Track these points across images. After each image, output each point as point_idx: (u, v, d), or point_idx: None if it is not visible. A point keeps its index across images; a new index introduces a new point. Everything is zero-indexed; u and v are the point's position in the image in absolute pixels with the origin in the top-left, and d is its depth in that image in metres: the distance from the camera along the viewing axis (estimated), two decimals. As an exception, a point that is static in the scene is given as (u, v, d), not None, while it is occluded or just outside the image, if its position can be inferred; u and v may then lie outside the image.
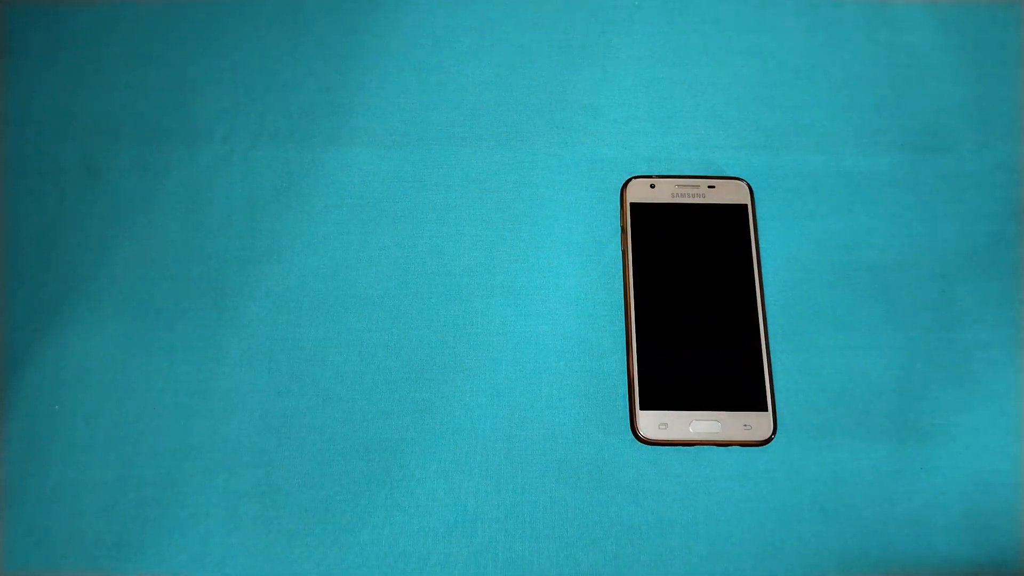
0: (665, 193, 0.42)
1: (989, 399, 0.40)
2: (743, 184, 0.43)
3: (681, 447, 0.39)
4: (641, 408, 0.39)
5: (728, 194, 0.42)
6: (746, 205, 0.42)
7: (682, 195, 0.42)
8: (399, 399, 0.40)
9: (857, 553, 0.38)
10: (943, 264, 0.43)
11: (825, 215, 0.43)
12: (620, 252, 0.43)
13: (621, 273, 0.42)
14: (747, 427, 0.38)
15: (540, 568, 0.38)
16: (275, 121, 0.45)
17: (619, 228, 0.43)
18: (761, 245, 0.42)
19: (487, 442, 0.40)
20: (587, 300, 0.42)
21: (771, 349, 0.40)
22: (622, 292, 0.42)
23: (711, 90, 0.46)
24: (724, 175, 0.44)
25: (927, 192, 0.44)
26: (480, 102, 0.46)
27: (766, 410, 0.39)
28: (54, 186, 0.44)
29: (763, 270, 0.42)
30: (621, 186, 0.43)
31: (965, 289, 0.42)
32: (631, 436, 0.39)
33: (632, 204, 0.42)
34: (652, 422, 0.38)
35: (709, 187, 0.42)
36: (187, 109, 0.45)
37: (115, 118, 0.45)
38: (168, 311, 0.41)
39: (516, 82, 0.46)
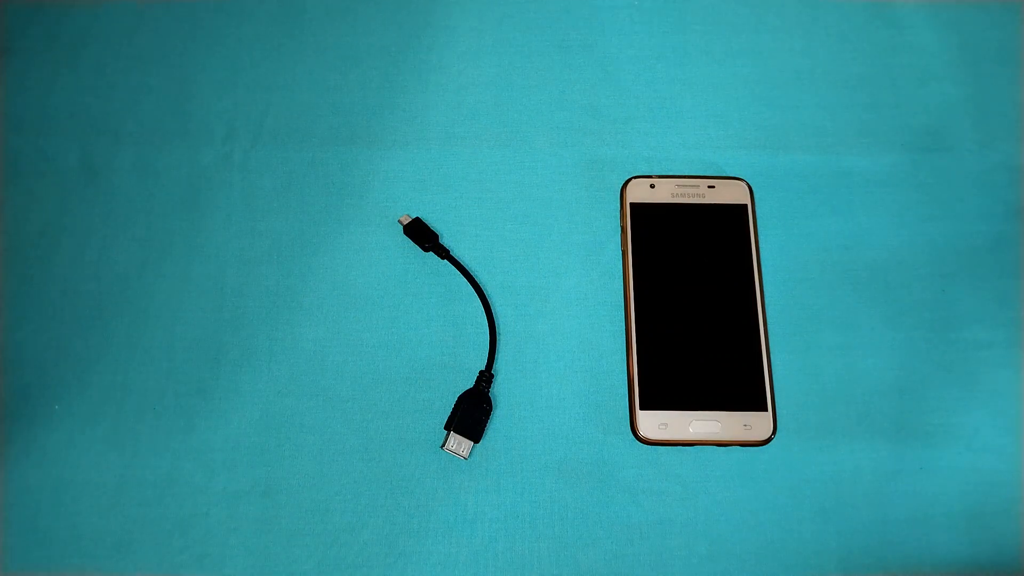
0: (665, 193, 0.42)
1: (989, 399, 0.40)
2: (743, 184, 0.43)
3: (681, 447, 0.39)
4: (641, 408, 0.39)
5: (728, 194, 0.42)
6: (746, 205, 0.42)
7: (682, 195, 0.42)
8: (399, 399, 0.40)
9: (857, 553, 0.38)
10: (943, 264, 0.43)
11: (825, 215, 0.43)
12: (620, 252, 0.43)
13: (621, 273, 0.42)
14: (747, 427, 0.38)
15: (540, 568, 0.38)
16: (275, 121, 0.45)
17: (619, 228, 0.43)
18: (761, 245, 0.42)
19: (487, 442, 0.40)
20: (587, 300, 0.42)
21: (771, 349, 0.40)
22: (622, 292, 0.42)
23: (711, 90, 0.46)
24: (724, 175, 0.44)
25: (927, 192, 0.44)
26: (480, 102, 0.46)
27: (766, 410, 0.39)
28: (54, 186, 0.44)
29: (763, 270, 0.42)
30: (621, 186, 0.43)
31: (965, 289, 0.42)
32: (631, 436, 0.39)
33: (632, 204, 0.42)
34: (652, 422, 0.38)
35: (709, 187, 0.42)
36: (187, 109, 0.45)
37: (115, 118, 0.45)
38: (168, 311, 0.41)
39: (516, 82, 0.46)
